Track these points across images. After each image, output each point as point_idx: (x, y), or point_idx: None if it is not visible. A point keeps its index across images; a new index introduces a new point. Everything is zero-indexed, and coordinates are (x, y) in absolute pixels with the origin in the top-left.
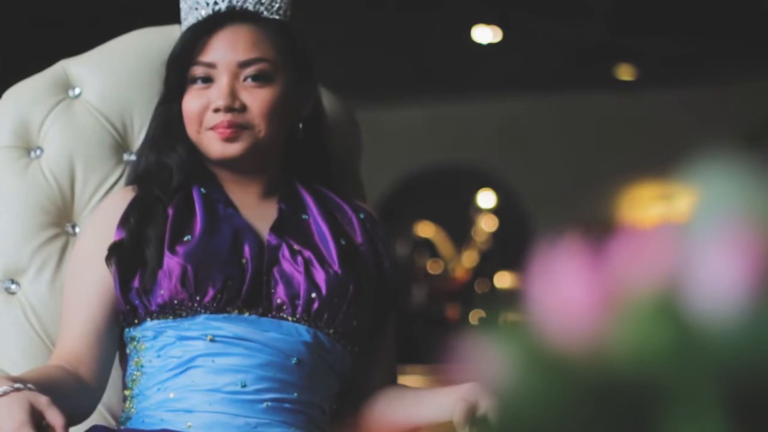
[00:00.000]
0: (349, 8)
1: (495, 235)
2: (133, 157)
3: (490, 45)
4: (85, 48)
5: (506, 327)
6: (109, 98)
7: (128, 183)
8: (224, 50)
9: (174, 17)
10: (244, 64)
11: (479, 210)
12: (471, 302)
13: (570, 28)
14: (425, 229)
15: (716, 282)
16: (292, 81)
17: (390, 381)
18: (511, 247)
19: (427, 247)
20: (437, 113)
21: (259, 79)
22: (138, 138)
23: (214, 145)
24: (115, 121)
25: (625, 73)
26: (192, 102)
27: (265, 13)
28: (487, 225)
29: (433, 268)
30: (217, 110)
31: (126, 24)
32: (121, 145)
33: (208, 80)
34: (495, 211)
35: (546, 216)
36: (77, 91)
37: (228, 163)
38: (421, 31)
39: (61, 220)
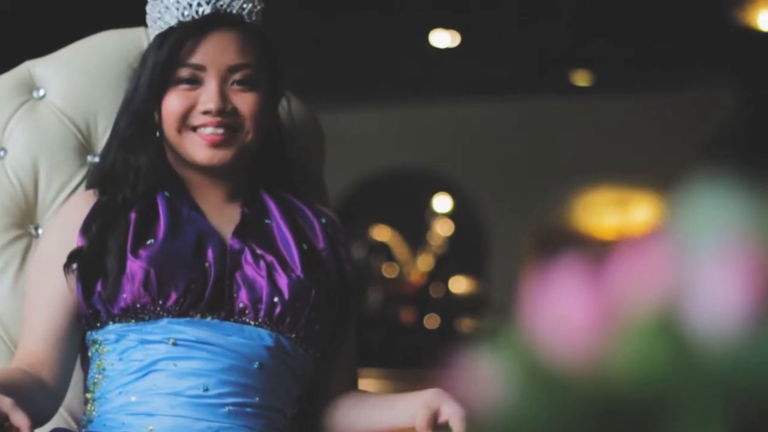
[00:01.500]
0: (306, 10)
1: (450, 240)
2: (96, 159)
3: (448, 49)
4: (49, 49)
5: (505, 343)
6: (74, 100)
7: (91, 184)
8: (214, 53)
9: (137, 20)
10: (233, 69)
11: (435, 214)
12: (426, 306)
13: (527, 33)
14: (381, 233)
15: (715, 299)
16: (269, 87)
17: (351, 386)
18: (467, 251)
19: (383, 250)
20: (394, 117)
21: (245, 83)
22: (102, 140)
23: (200, 151)
24: (79, 123)
25: (582, 79)
26: (176, 102)
27: (246, 18)
28: (443, 229)
29: (388, 271)
30: (206, 112)
31: (89, 26)
32: (85, 147)
33: (194, 82)
34: (451, 215)
35: (502, 221)
36: (41, 92)
37: (208, 168)
38: (379, 35)
39: (24, 221)
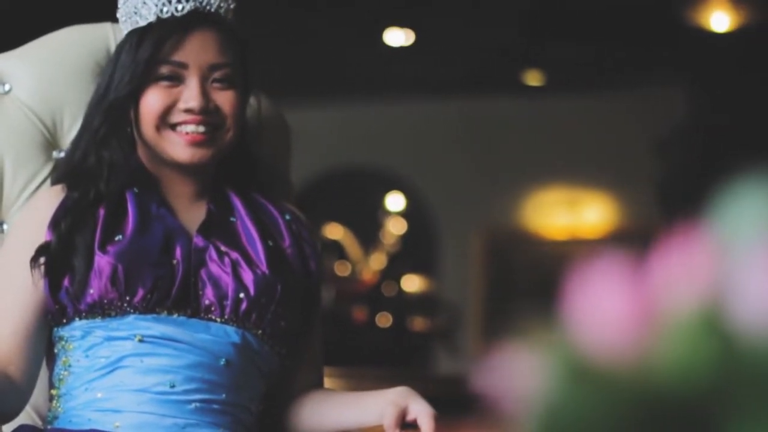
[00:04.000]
0: (258, 6)
1: (403, 238)
2: (62, 155)
3: (401, 48)
4: (13, 44)
5: (548, 341)
6: (40, 95)
7: (59, 179)
8: (196, 51)
9: (102, 15)
10: (214, 67)
11: (388, 213)
12: (378, 305)
13: (481, 33)
14: (333, 231)
15: (760, 295)
16: (244, 86)
17: (317, 383)
18: (420, 250)
19: (335, 249)
20: (347, 115)
21: (225, 82)
22: (68, 135)
23: (180, 149)
24: (45, 118)
25: (534, 78)
26: (156, 99)
27: (223, 16)
28: (396, 228)
29: (340, 270)
30: (188, 110)
31: (53, 21)
32: (50, 143)
33: (174, 79)
34: (403, 214)
35: (454, 219)
36: (7, 87)
37: (185, 166)
38: (332, 33)
39: None
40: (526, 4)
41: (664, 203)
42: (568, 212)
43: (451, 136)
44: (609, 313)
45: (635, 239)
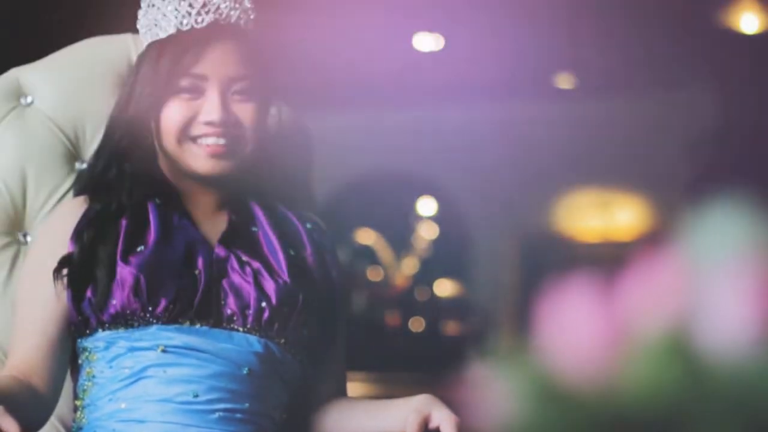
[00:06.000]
0: (287, 12)
1: (435, 243)
2: (84, 166)
3: (431, 53)
4: (34, 56)
5: (517, 360)
6: (62, 106)
7: (81, 191)
8: (216, 63)
9: (122, 25)
10: (234, 80)
11: (419, 217)
12: (411, 309)
13: (511, 37)
14: (365, 236)
15: (727, 317)
16: (265, 97)
17: (340, 392)
18: (452, 254)
19: (367, 254)
20: (378, 120)
21: (245, 93)
22: (90, 146)
23: (201, 161)
24: (67, 130)
25: (565, 81)
26: (177, 112)
27: (243, 27)
28: (428, 232)
29: (372, 275)
30: (209, 123)
31: (74, 32)
32: (73, 154)
33: (194, 91)
34: (435, 218)
35: (486, 223)
36: (29, 99)
37: (206, 178)
38: (361, 38)
39: (12, 228)
40: (553, 6)
41: (696, 205)
42: (600, 215)
43: (482, 140)
44: (578, 333)
45: (667, 241)
